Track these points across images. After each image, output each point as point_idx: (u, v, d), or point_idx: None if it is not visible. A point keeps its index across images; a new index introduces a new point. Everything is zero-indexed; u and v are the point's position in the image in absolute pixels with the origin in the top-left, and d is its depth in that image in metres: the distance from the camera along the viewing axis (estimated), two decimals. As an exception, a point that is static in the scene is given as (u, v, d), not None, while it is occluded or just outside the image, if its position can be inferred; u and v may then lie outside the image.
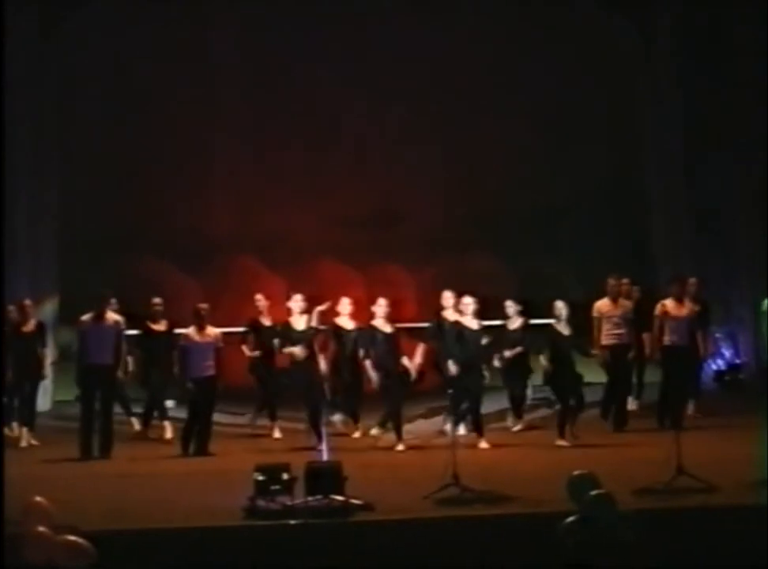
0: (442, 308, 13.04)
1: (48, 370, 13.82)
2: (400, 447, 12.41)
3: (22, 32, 16.31)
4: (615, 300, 13.39)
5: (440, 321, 12.94)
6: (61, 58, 17.03)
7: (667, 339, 13.08)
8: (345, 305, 13.41)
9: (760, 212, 16.90)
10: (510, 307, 13.68)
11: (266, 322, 13.72)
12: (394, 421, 12.70)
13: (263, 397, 13.81)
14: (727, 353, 17.34)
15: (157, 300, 13.60)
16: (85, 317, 12.38)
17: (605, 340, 13.27)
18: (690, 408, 13.63)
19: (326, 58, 17.90)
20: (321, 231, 18.10)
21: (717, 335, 17.04)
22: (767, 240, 16.60)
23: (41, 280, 16.36)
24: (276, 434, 13.54)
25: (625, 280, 13.86)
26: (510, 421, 13.85)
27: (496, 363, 13.29)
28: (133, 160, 17.69)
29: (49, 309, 15.90)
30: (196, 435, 12.31)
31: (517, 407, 13.76)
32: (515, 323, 13.61)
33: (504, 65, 18.09)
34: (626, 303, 13.50)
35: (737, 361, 17.25)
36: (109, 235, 17.38)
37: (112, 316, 12.49)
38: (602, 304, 13.39)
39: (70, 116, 17.29)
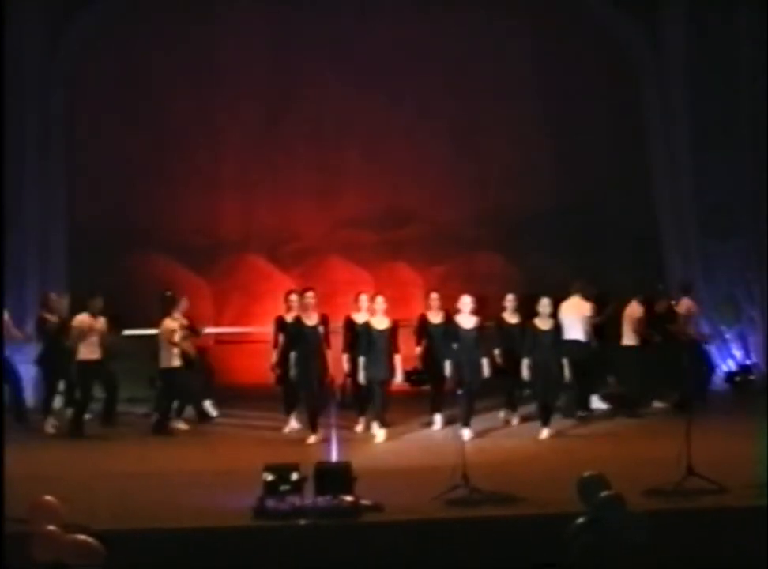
0: (428, 308, 13.58)
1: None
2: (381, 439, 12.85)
3: (30, 33, 16.32)
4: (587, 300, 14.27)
5: (425, 322, 13.48)
6: (68, 57, 17.02)
7: None
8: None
9: (768, 211, 16.88)
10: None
11: (310, 321, 13.12)
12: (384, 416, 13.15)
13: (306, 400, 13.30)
14: (737, 354, 17.29)
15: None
16: (79, 317, 13.66)
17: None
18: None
19: (335, 58, 17.88)
20: (330, 230, 18.10)
21: (728, 336, 17.02)
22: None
23: (50, 279, 16.35)
24: (312, 438, 12.92)
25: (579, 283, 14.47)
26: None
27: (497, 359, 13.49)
28: (142, 159, 17.66)
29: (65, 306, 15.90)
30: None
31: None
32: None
33: (511, 66, 18.06)
34: (588, 305, 14.28)
35: (748, 362, 17.19)
36: (118, 234, 17.37)
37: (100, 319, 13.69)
38: (570, 305, 14.14)
39: (79, 116, 17.29)
